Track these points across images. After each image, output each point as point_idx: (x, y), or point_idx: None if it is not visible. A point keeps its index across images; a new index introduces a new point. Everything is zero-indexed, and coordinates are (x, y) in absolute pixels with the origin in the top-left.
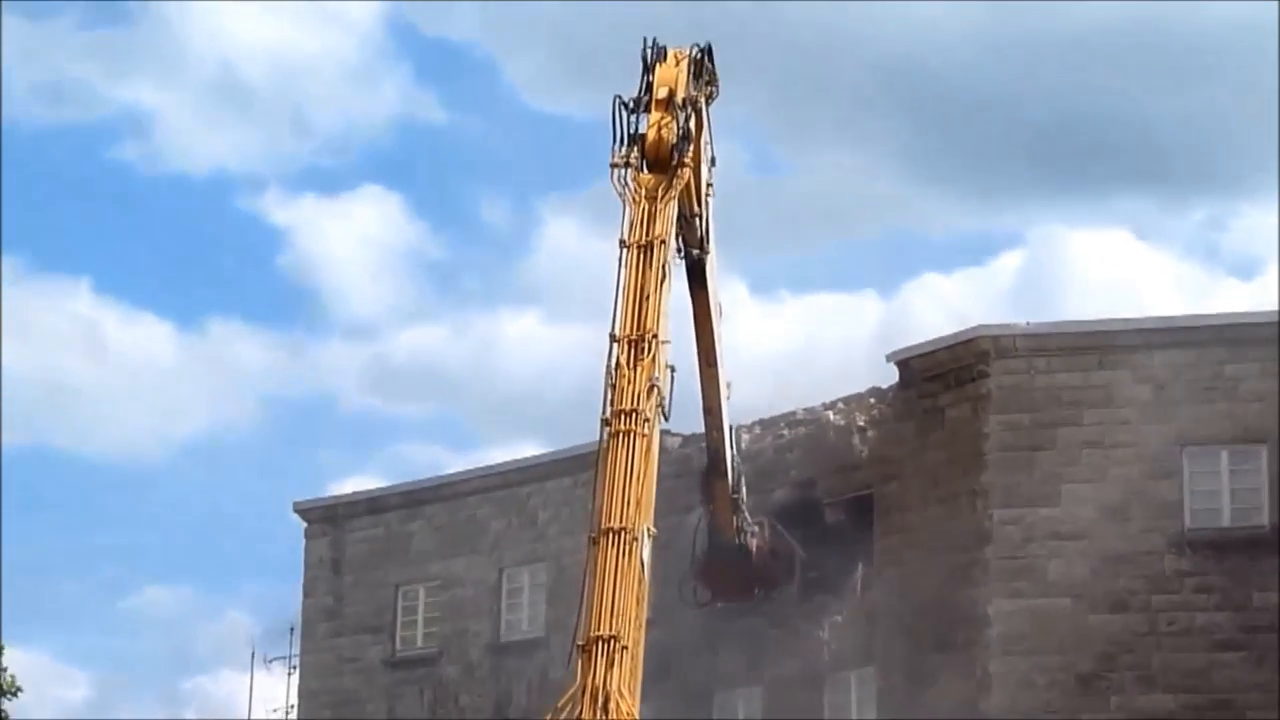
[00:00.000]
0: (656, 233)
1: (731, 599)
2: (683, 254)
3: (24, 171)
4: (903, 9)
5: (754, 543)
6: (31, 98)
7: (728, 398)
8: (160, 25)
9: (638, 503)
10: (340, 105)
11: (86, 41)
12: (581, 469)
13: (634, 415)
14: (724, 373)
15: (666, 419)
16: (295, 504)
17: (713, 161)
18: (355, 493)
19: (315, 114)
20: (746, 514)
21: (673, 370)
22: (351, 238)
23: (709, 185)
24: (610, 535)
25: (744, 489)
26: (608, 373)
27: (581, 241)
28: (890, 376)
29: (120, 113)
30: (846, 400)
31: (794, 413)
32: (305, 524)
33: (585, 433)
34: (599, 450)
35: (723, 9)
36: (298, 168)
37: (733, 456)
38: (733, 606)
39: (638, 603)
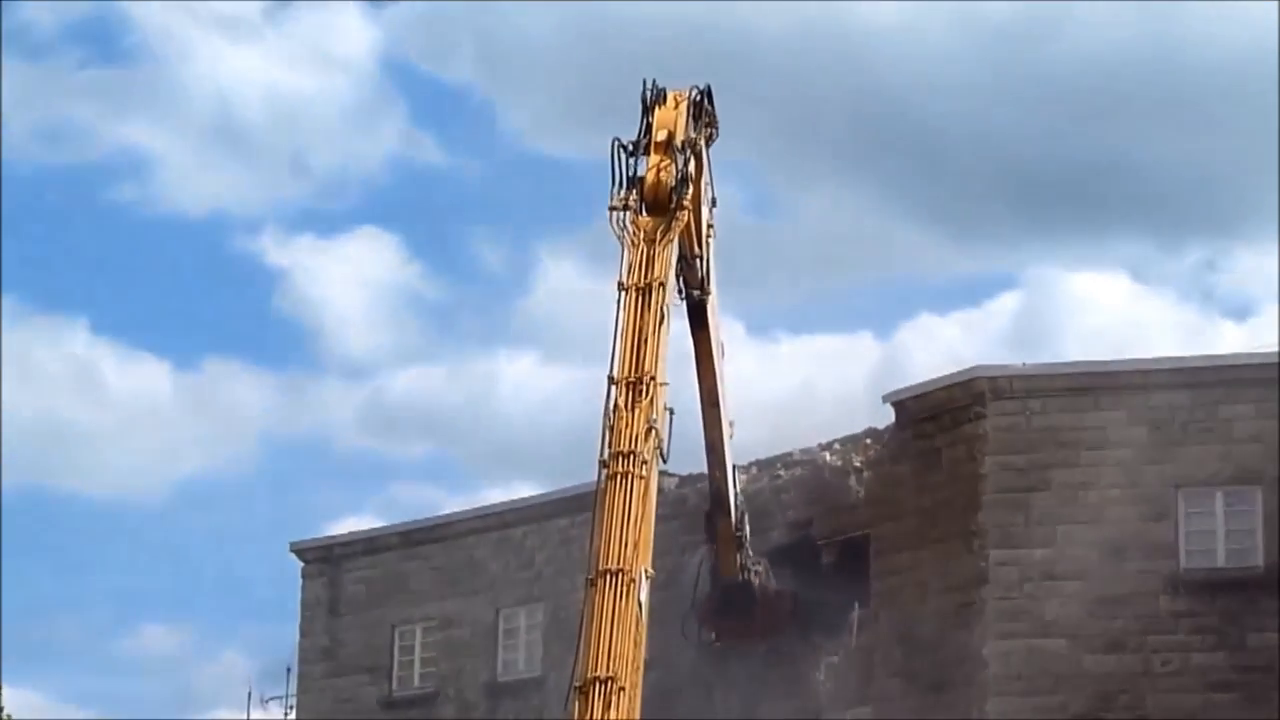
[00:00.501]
0: (655, 275)
1: (735, 640)
2: (683, 295)
3: (22, 212)
4: (900, 51)
5: (757, 582)
6: (29, 138)
7: (730, 436)
8: (158, 66)
9: (635, 545)
10: (337, 146)
11: (84, 81)
12: (578, 510)
13: (632, 457)
14: (726, 412)
15: (665, 461)
16: (292, 544)
17: (713, 203)
18: (352, 533)
19: (312, 155)
20: (750, 553)
21: (671, 413)
22: (348, 278)
23: (710, 226)
24: (608, 577)
25: (747, 527)
26: (605, 415)
27: (579, 282)
28: (886, 417)
29: (118, 153)
30: (843, 441)
31: (790, 453)
32: (302, 564)
33: (582, 473)
34: (596, 492)
35: (720, 52)
36: (295, 209)
37: (735, 495)
38: (729, 647)
39: (635, 645)
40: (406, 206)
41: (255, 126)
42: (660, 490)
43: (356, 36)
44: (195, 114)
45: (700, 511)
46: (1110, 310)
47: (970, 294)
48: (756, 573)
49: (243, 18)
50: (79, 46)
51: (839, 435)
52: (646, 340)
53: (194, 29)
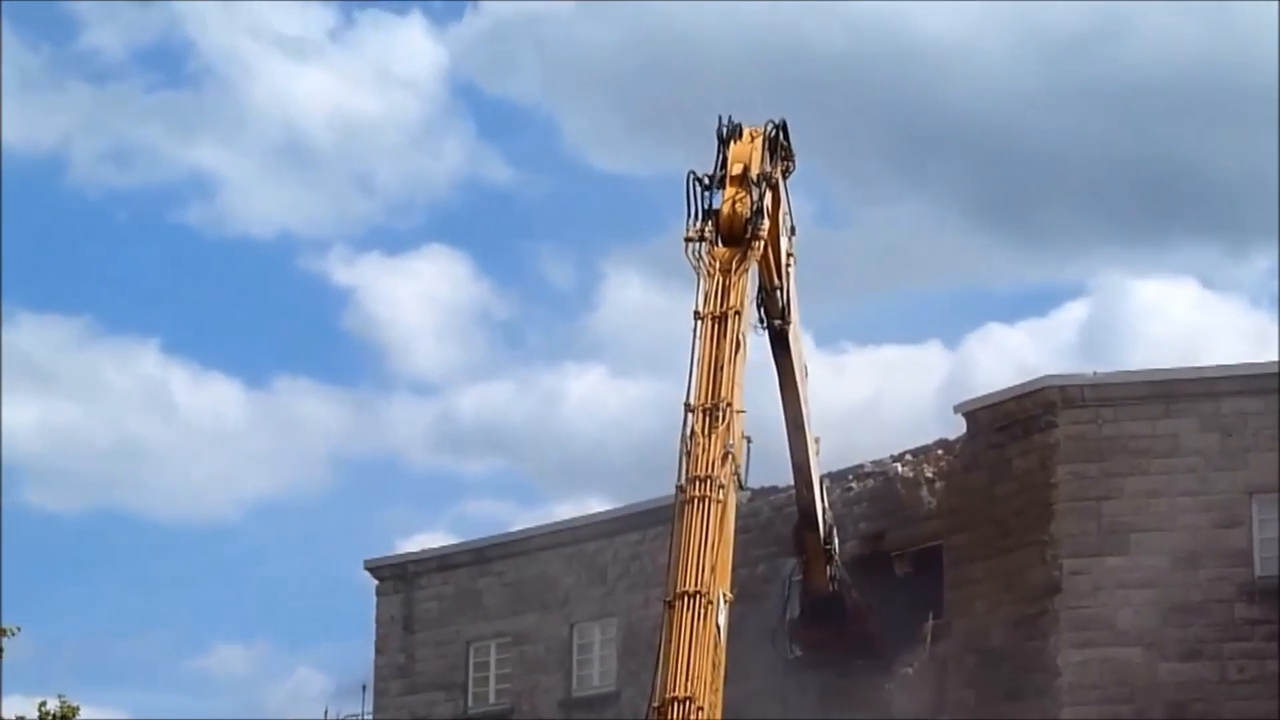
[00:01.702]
0: (730, 304)
1: (824, 653)
2: (765, 325)
3: (92, 234)
4: (962, 60)
5: (847, 595)
6: (98, 161)
7: (816, 454)
8: (224, 87)
9: (713, 568)
10: (403, 165)
11: (151, 104)
12: (649, 524)
13: (709, 482)
14: (811, 430)
15: (743, 487)
16: (365, 562)
17: (792, 231)
18: (425, 550)
19: (378, 174)
20: (840, 566)
21: (749, 441)
22: (416, 296)
23: (789, 255)
24: (686, 599)
25: (836, 541)
26: (683, 440)
27: (645, 297)
28: (957, 428)
29: (185, 175)
30: (914, 452)
31: (862, 465)
32: (376, 581)
33: (652, 488)
34: (674, 515)
35: (781, 63)
36: (362, 228)
37: (824, 510)
38: (809, 660)
39: (714, 666)
40: (473, 224)
41: (321, 146)
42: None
43: (421, 55)
44: (261, 135)
45: (773, 524)
46: (1179, 317)
47: (1038, 303)
48: (847, 585)
49: (307, 38)
50: (146, 70)
51: (909, 446)
52: (723, 368)
53: (259, 51)
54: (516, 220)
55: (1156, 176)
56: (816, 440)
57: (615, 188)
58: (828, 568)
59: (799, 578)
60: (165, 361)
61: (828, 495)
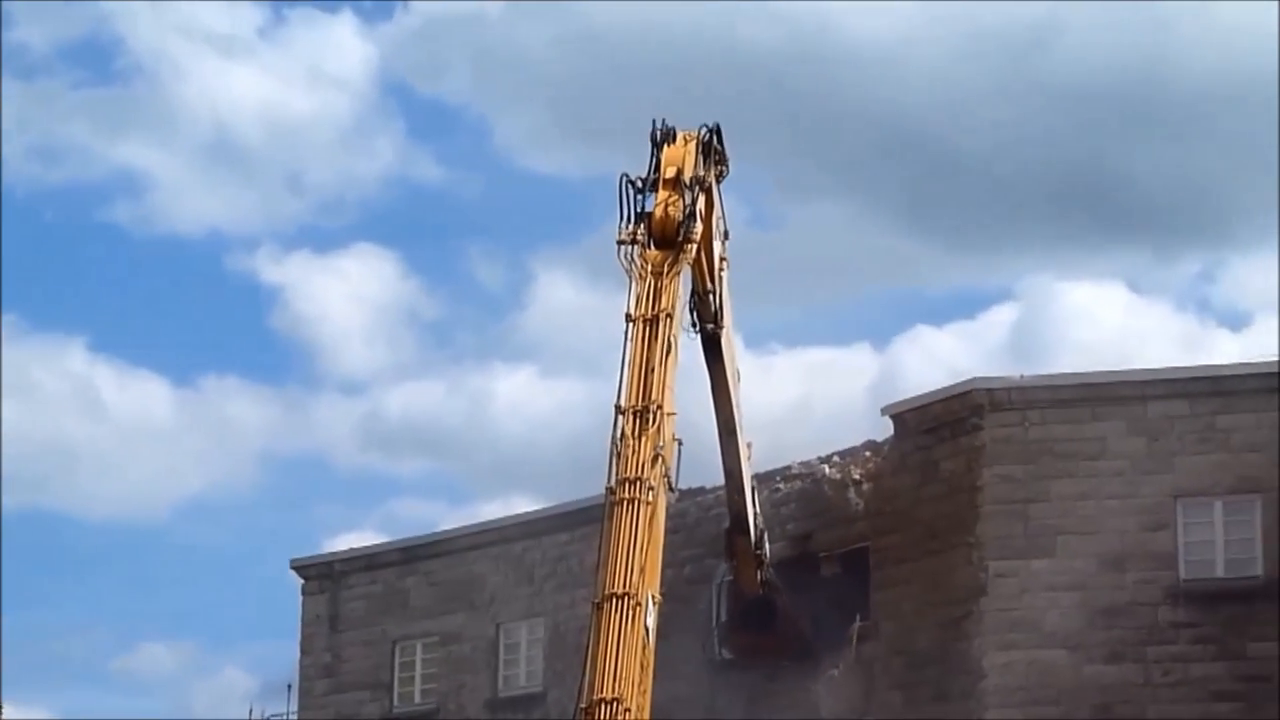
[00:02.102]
0: (662, 307)
1: (754, 656)
2: (698, 329)
3: (19, 231)
4: (894, 64)
5: (781, 599)
6: (26, 158)
7: (748, 458)
8: (153, 85)
9: (642, 569)
10: (334, 164)
11: (79, 101)
12: (578, 525)
13: (639, 484)
14: (743, 435)
15: (673, 490)
16: (292, 561)
17: (725, 235)
18: (352, 549)
19: (309, 173)
20: (771, 571)
21: (680, 444)
22: (345, 295)
23: (722, 259)
24: (614, 600)
25: (767, 545)
26: (613, 442)
27: (575, 297)
28: (885, 430)
29: (114, 173)
30: (842, 454)
31: (789, 467)
32: (302, 581)
33: (580, 488)
34: (604, 517)
35: (714, 66)
36: (292, 226)
37: (755, 515)
38: (739, 662)
39: (642, 668)
40: (403, 223)
41: (251, 145)
42: None
43: (351, 54)
44: (191, 133)
45: (701, 525)
46: (1107, 321)
47: (966, 305)
48: (778, 589)
49: (237, 36)
50: (74, 67)
51: (837, 448)
52: (653, 370)
53: (188, 48)
54: (447, 220)
55: (1086, 180)
56: (748, 445)
57: (546, 188)
58: (758, 572)
59: (729, 580)
60: (92, 359)
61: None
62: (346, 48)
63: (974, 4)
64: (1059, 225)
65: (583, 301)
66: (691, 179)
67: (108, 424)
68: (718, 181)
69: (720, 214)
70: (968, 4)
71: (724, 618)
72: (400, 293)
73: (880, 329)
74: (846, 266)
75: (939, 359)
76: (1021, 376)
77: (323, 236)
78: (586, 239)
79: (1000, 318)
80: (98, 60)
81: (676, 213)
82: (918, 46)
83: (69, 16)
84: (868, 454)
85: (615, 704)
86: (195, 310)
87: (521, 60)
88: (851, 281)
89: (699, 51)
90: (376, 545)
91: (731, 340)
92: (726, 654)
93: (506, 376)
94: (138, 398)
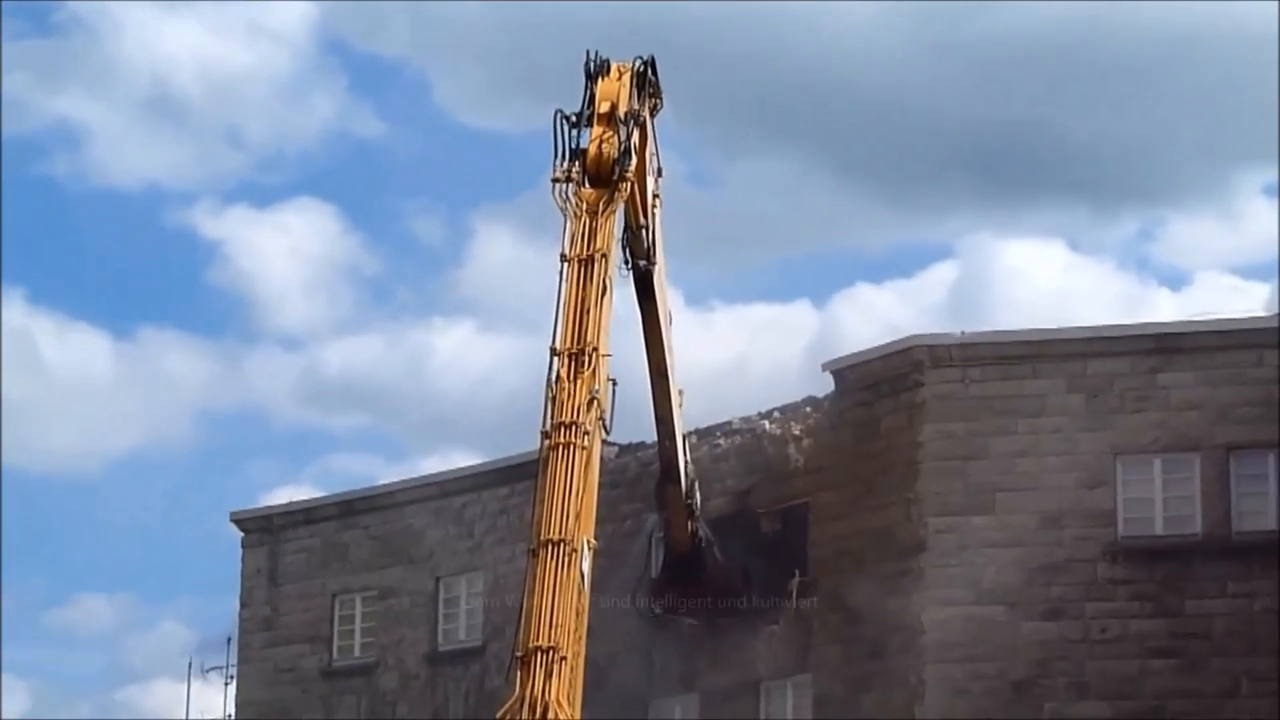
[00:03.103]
0: (597, 247)
1: (686, 611)
2: (630, 266)
3: None
4: (832, 20)
5: (709, 552)
6: None
7: (680, 405)
8: (91, 37)
9: (577, 515)
10: (273, 119)
11: (16, 53)
12: (517, 479)
13: (574, 428)
14: (675, 381)
15: (608, 432)
16: (232, 514)
17: (659, 173)
18: (291, 503)
19: (248, 128)
20: (702, 522)
21: (614, 384)
22: (284, 250)
23: (655, 197)
24: (550, 547)
25: (698, 496)
26: (548, 386)
27: (514, 253)
28: (825, 386)
29: (51, 126)
30: (782, 410)
31: (729, 422)
32: (242, 534)
33: (520, 443)
34: (539, 462)
35: (651, 22)
36: (231, 181)
37: (686, 464)
38: (673, 616)
39: (577, 615)
40: (342, 179)
41: (190, 99)
42: (601, 459)
43: (291, 9)
44: (129, 86)
45: (641, 480)
46: (1047, 279)
47: (906, 263)
48: (711, 542)
49: None
50: (11, 18)
51: (778, 404)
52: (589, 312)
53: (127, 1)
54: (386, 175)
55: (1026, 138)
56: (680, 392)
57: (486, 144)
58: (689, 523)
59: (661, 534)
60: (31, 311)
61: (694, 452)
62: (286, 2)
63: None
64: (998, 184)
65: (521, 256)
66: (626, 114)
67: (45, 377)
68: (652, 115)
69: (654, 149)
70: None
71: (655, 571)
72: (339, 248)
73: (820, 287)
74: (786, 224)
75: (879, 317)
76: (962, 334)
77: (262, 191)
78: (525, 195)
79: (940, 276)
80: (36, 12)
81: (611, 149)
82: (857, 3)
83: None
84: (808, 410)
85: (551, 652)
86: (134, 264)
87: (459, 17)
88: (791, 239)
89: (636, 9)
90: (316, 499)
91: (664, 280)
92: (657, 609)
93: (445, 332)
94: (76, 351)
